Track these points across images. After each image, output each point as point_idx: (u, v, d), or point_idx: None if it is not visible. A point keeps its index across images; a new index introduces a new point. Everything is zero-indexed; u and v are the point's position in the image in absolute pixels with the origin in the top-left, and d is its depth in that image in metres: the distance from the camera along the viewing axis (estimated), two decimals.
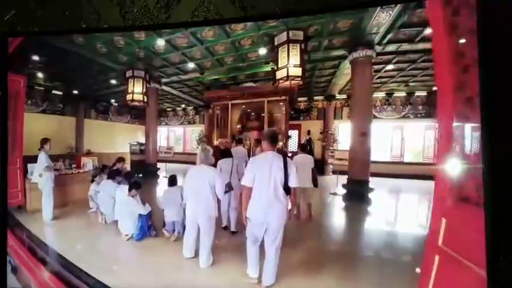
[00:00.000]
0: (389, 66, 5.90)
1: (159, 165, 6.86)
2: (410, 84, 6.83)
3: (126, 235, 3.41)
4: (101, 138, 7.76)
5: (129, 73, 5.86)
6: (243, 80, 6.45)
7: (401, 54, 5.37)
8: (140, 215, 3.41)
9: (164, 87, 6.80)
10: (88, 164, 4.76)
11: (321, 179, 5.65)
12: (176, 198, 3.41)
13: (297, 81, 4.24)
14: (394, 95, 7.31)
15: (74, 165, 4.86)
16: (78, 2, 2.50)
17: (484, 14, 1.71)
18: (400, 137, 7.38)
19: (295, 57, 4.08)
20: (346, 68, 5.87)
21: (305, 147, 4.44)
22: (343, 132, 7.62)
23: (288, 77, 4.12)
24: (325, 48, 5.09)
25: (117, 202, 3.48)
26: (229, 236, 3.56)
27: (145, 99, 5.90)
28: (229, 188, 3.36)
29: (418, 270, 1.94)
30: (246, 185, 2.35)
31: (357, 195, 5.20)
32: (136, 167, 6.35)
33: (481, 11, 1.72)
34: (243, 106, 6.78)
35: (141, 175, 6.13)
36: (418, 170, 6.83)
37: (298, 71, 4.11)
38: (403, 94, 7.27)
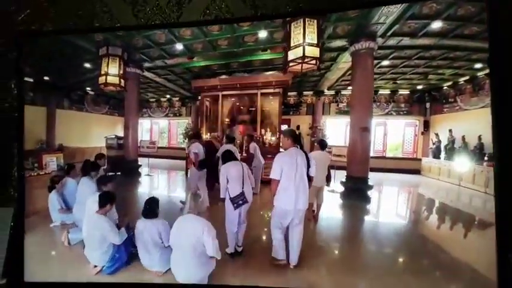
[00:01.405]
0: (385, 62, 5.49)
1: (140, 161, 5.91)
2: (398, 82, 6.60)
3: (95, 266, 2.40)
4: (75, 131, 6.61)
5: (102, 51, 4.61)
6: (235, 69, 5.64)
7: (400, 49, 4.98)
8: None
9: (147, 74, 5.76)
10: (51, 162, 3.66)
11: None
12: (156, 240, 2.28)
13: (312, 66, 3.51)
14: (379, 92, 7.02)
15: (36, 165, 3.68)
16: (91, 1, 2.41)
17: (494, 14, 1.69)
18: (383, 133, 7.22)
19: (311, 35, 3.25)
20: (343, 61, 5.39)
21: (324, 143, 3.82)
22: (331, 127, 7.29)
23: (303, 57, 3.29)
24: (328, 37, 4.49)
25: (86, 217, 2.42)
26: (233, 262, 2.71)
27: (123, 84, 4.61)
28: (242, 200, 2.63)
29: None
30: (276, 178, 2.46)
31: (356, 193, 4.73)
32: (114, 163, 5.40)
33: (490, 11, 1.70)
34: (234, 98, 6.02)
35: (119, 173, 5.21)
36: (399, 164, 6.71)
37: (315, 51, 3.32)
38: (387, 92, 7.03)
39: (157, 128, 8.10)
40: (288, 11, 2.22)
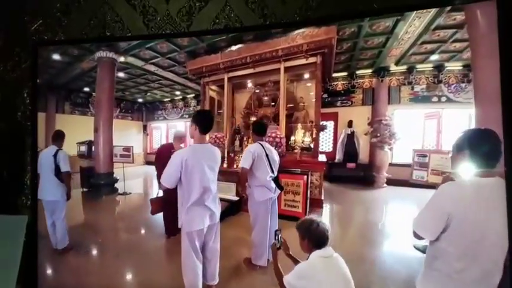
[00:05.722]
0: None
1: (117, 173, 3.91)
2: None
3: None
4: (79, 138, 5.34)
5: None
6: (241, 28, 3.30)
7: None
8: None
9: (133, 61, 3.85)
10: None
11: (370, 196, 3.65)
12: None
13: None
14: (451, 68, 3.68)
15: None
16: (102, 11, 2.23)
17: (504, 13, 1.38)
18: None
19: None
20: None
21: (496, 152, 1.10)
22: (403, 122, 4.26)
23: None
24: None
25: None
26: None
27: None
28: None
29: None
30: None
31: None
32: (86, 176, 3.72)
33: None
34: (247, 80, 3.73)
35: (86, 189, 3.54)
36: None
37: None
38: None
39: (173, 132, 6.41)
40: (297, 20, 1.94)
